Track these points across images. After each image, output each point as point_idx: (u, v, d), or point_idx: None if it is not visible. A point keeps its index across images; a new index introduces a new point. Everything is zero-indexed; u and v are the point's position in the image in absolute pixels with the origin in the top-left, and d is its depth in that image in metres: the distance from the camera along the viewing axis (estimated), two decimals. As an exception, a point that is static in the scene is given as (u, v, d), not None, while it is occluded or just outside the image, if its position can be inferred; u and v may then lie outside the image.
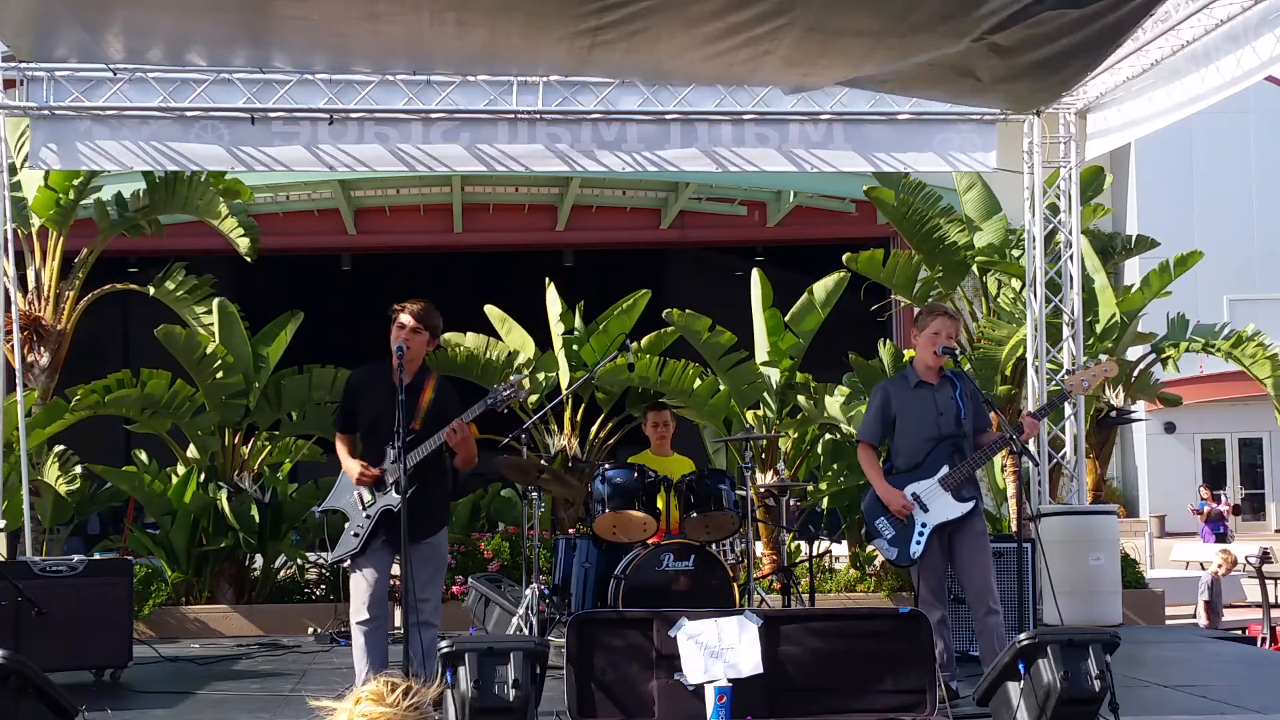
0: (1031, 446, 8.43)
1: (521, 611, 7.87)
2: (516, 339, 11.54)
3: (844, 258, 10.91)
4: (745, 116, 9.36)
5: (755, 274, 11.59)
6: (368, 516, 6.11)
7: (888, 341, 11.47)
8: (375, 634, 6.01)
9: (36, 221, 10.22)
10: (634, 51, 6.59)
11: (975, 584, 6.55)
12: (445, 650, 5.26)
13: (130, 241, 11.19)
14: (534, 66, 8.28)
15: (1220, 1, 7.73)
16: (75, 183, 10.08)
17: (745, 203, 21.08)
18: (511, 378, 6.41)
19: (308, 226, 20.68)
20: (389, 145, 9.22)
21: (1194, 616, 13.50)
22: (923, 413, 6.61)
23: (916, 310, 8.32)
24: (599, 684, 5.98)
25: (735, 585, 7.77)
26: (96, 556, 9.19)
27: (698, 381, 11.07)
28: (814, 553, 9.25)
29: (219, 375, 10.19)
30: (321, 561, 10.38)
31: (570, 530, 9.93)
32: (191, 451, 10.61)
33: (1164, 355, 12.48)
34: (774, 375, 11.07)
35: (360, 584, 6.09)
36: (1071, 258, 9.89)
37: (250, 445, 10.70)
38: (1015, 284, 10.70)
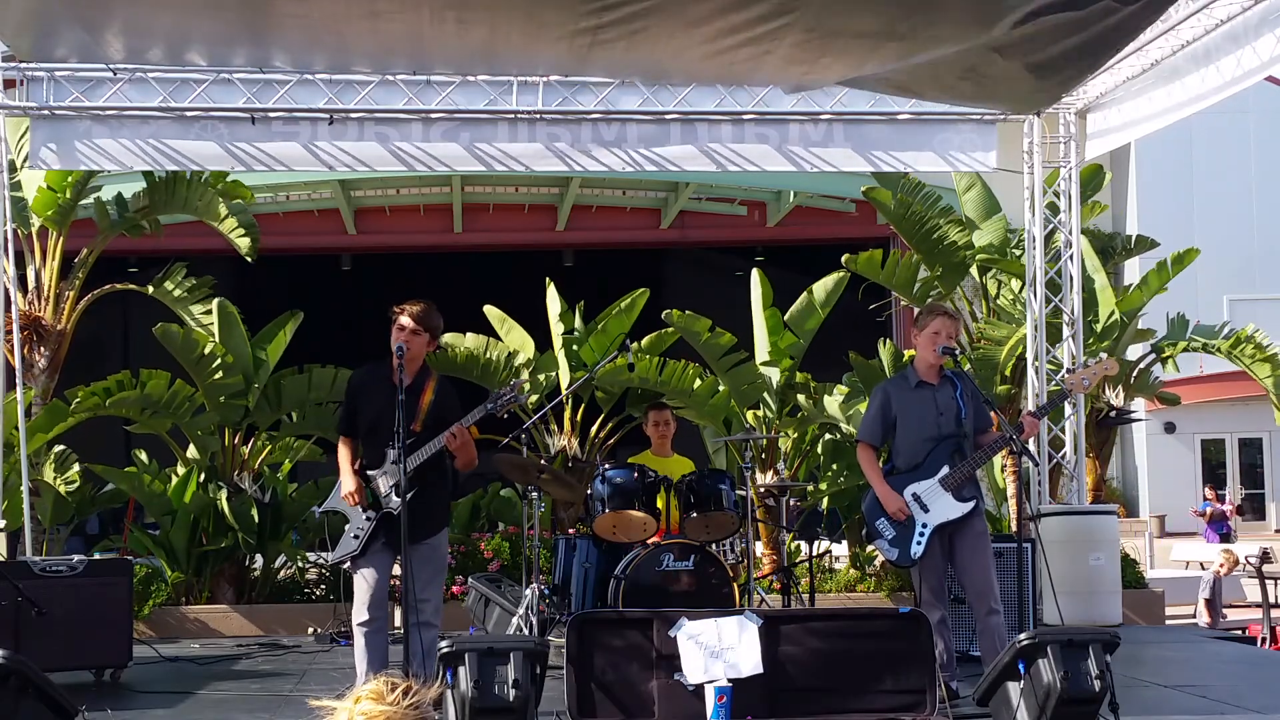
0: (1031, 446, 8.43)
1: (521, 611, 7.87)
2: (516, 339, 11.53)
3: (844, 258, 10.90)
4: (745, 116, 9.36)
5: (755, 274, 11.58)
6: (368, 518, 6.11)
7: (887, 341, 11.45)
8: (375, 635, 6.02)
9: (36, 221, 10.21)
10: (634, 51, 6.58)
11: (976, 584, 6.55)
12: (445, 650, 5.27)
13: (130, 241, 11.18)
14: (534, 65, 8.27)
15: (1220, 1, 7.73)
16: (75, 182, 10.07)
17: (745, 203, 21.05)
18: (512, 382, 6.41)
19: (308, 226, 20.64)
20: (389, 145, 9.22)
21: (1194, 616, 13.49)
22: (923, 413, 6.61)
23: (916, 310, 8.32)
24: (599, 684, 5.98)
25: (735, 585, 7.77)
26: (96, 556, 9.19)
27: (698, 382, 11.06)
28: (814, 553, 9.25)
29: (219, 375, 10.18)
30: (322, 561, 10.39)
31: (570, 530, 9.92)
32: (191, 452, 10.61)
33: (1164, 355, 12.49)
34: (774, 375, 11.07)
35: (360, 585, 6.10)
36: (1071, 258, 9.89)
37: (250, 445, 10.69)
38: (1015, 284, 10.70)
